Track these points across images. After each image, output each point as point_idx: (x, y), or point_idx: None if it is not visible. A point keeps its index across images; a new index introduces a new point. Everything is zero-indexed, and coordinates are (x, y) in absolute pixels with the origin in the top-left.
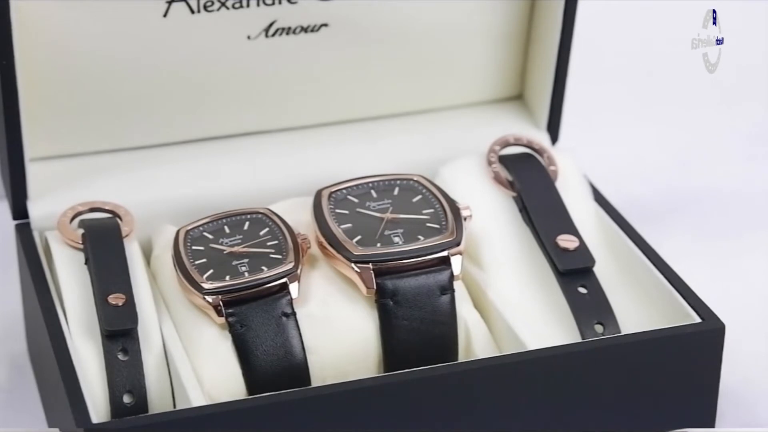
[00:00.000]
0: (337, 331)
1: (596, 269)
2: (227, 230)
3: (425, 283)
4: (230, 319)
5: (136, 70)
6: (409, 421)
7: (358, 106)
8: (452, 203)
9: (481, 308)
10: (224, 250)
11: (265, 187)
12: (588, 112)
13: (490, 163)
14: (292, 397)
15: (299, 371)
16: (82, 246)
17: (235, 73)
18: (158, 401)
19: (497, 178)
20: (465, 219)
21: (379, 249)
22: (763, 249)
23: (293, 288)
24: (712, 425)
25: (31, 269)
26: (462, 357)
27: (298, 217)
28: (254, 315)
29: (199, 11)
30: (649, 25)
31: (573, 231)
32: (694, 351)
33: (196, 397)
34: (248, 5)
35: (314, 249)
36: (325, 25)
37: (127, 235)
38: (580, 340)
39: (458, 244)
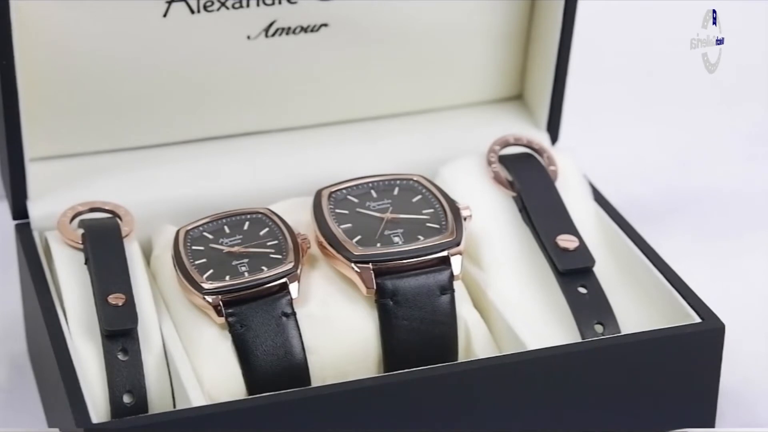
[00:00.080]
0: (337, 331)
1: (596, 269)
2: (227, 230)
3: (425, 283)
4: (230, 319)
5: (136, 70)
6: (409, 421)
7: (358, 106)
8: (452, 203)
9: (481, 308)
10: (224, 250)
11: (265, 187)
12: (588, 112)
13: (490, 163)
14: (292, 397)
15: (299, 371)
16: (82, 246)
17: (235, 73)
18: (158, 401)
19: (497, 178)
20: (465, 219)
21: (379, 249)
22: (763, 249)
23: (293, 288)
24: (712, 425)
25: (31, 269)
26: (462, 357)
27: (298, 217)
28: (254, 315)
29: (199, 11)
30: (649, 25)
31: (573, 231)
32: (694, 351)
33: (196, 397)
34: (248, 5)
35: (314, 249)
36: (325, 25)
37: (127, 235)
38: (580, 340)
39: (458, 244)
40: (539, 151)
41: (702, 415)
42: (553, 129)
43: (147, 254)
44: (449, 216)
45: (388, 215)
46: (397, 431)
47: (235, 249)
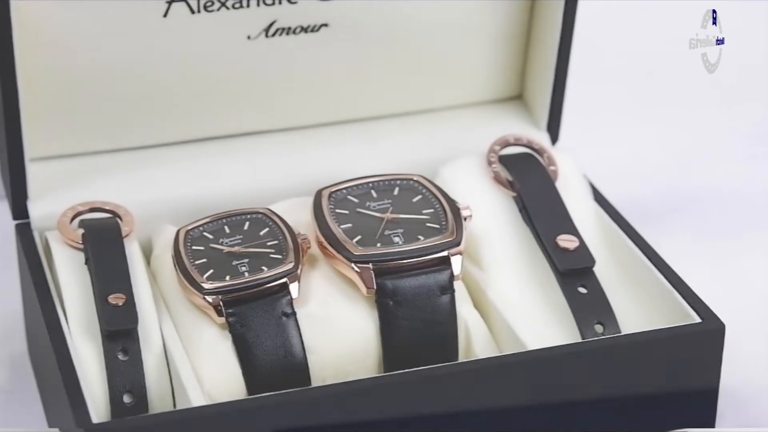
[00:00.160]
0: (337, 331)
1: (596, 269)
2: (227, 230)
3: (425, 283)
4: (230, 319)
5: (136, 70)
6: (409, 421)
7: (358, 106)
8: (452, 203)
9: (481, 308)
10: (224, 250)
11: (265, 187)
12: (588, 112)
13: (490, 163)
14: (292, 397)
15: (299, 371)
16: (82, 246)
17: (235, 73)
18: (158, 401)
19: (497, 178)
20: (465, 219)
21: (379, 249)
22: (763, 249)
23: (293, 288)
24: (712, 425)
25: (31, 269)
26: (462, 357)
27: (298, 217)
28: (254, 315)
29: (199, 11)
30: (648, 25)
31: (573, 231)
32: (694, 351)
33: (196, 397)
34: (248, 5)
35: (314, 249)
36: (325, 25)
37: (127, 235)
38: (580, 340)
39: (458, 244)
40: (539, 151)
41: (702, 415)
42: (553, 129)
43: (147, 254)
44: (449, 216)
45: (388, 215)
46: (397, 431)
47: (236, 249)
